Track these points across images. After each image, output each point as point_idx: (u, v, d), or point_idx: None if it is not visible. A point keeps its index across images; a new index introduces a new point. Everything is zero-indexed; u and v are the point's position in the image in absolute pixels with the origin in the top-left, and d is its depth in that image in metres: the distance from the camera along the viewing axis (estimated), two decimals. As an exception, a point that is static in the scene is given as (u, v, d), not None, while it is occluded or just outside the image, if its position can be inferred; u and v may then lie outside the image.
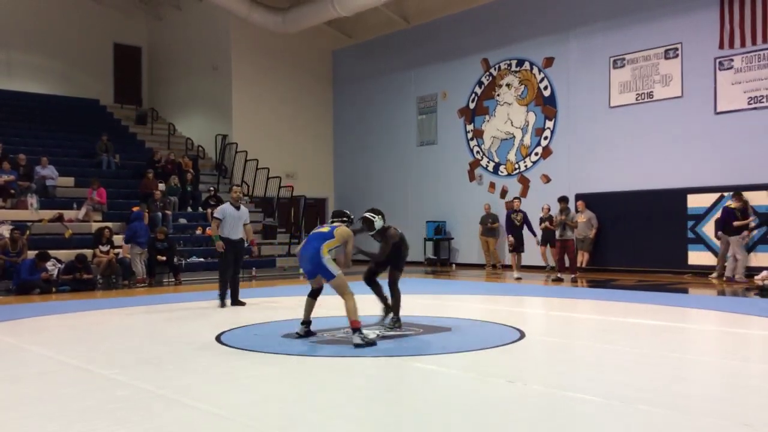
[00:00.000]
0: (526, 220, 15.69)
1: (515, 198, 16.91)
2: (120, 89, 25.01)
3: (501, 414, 4.53)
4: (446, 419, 4.38)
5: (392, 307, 8.05)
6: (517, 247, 15.69)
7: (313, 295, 7.51)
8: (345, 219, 7.46)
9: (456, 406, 4.72)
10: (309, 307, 7.49)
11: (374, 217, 7.91)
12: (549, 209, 15.86)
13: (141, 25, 25.50)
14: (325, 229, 7.26)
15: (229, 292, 10.62)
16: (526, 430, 4.26)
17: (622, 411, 4.51)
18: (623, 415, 4.43)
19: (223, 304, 10.49)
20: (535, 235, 15.78)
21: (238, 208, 10.65)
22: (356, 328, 6.78)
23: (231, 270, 10.60)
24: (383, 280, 8.27)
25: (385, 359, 6.29)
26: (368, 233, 8.07)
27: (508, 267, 17.62)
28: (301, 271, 9.29)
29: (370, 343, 6.73)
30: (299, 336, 7.33)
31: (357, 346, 6.67)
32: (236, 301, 10.68)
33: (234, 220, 10.53)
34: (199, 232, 17.86)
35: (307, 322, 7.42)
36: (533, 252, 18.40)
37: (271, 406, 4.81)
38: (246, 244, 11.09)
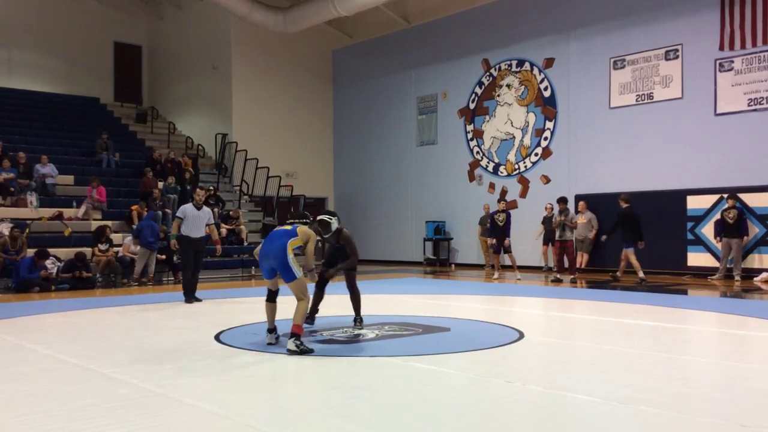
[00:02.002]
0: (508, 221, 15.57)
1: (500, 200, 16.95)
2: (120, 88, 25.03)
3: (500, 414, 4.54)
4: (445, 419, 4.39)
5: (354, 307, 8.11)
6: (499, 248, 15.70)
7: (272, 298, 7.14)
8: (306, 220, 7.27)
9: (455, 406, 4.73)
10: (272, 313, 7.13)
11: (330, 219, 7.87)
12: (552, 208, 15.87)
13: (141, 24, 25.51)
14: (287, 227, 7.03)
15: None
16: (525, 430, 4.26)
17: (621, 411, 4.52)
18: (622, 416, 4.44)
19: (189, 300, 11.03)
20: (508, 236, 15.58)
21: (199, 208, 11.15)
22: (297, 333, 6.47)
23: (192, 267, 11.17)
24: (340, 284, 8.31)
25: (384, 359, 6.30)
26: (324, 236, 7.98)
27: (507, 267, 17.61)
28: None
29: (306, 351, 6.38)
30: (271, 345, 6.95)
31: (291, 352, 6.37)
32: (192, 298, 11.12)
33: (195, 220, 11.05)
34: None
35: (272, 329, 7.06)
36: (531, 252, 18.44)
37: (270, 405, 4.82)
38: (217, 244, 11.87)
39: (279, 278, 6.93)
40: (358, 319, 8.05)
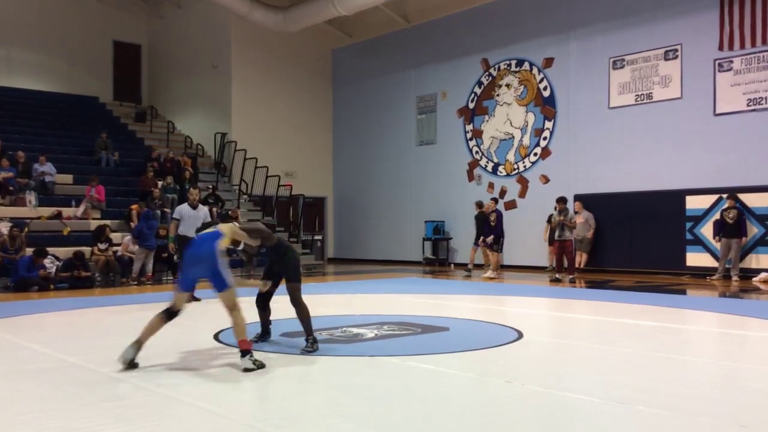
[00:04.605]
0: (499, 220, 15.90)
1: (492, 199, 17.04)
2: (119, 87, 25.01)
3: (499, 414, 4.54)
4: (445, 419, 4.39)
5: (304, 326, 6.75)
6: (493, 246, 15.96)
7: (169, 317, 6.11)
8: (221, 220, 6.92)
9: (454, 405, 4.73)
10: (151, 330, 6.05)
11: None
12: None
13: (141, 23, 25.49)
14: (212, 229, 6.37)
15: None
16: (524, 430, 4.27)
17: (620, 411, 4.52)
18: (621, 416, 4.44)
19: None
20: (503, 236, 16.26)
21: (195, 207, 11.14)
22: (247, 350, 5.81)
23: None
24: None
25: (383, 359, 6.30)
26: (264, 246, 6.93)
27: (506, 267, 17.64)
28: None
29: (261, 366, 5.77)
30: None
31: (247, 370, 5.68)
32: (191, 297, 10.98)
33: (191, 219, 10.99)
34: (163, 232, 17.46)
35: (138, 344, 5.92)
36: (531, 252, 18.45)
37: (269, 405, 4.82)
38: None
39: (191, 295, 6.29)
40: (309, 340, 6.66)
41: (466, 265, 17.35)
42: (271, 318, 7.25)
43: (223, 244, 6.12)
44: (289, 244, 7.15)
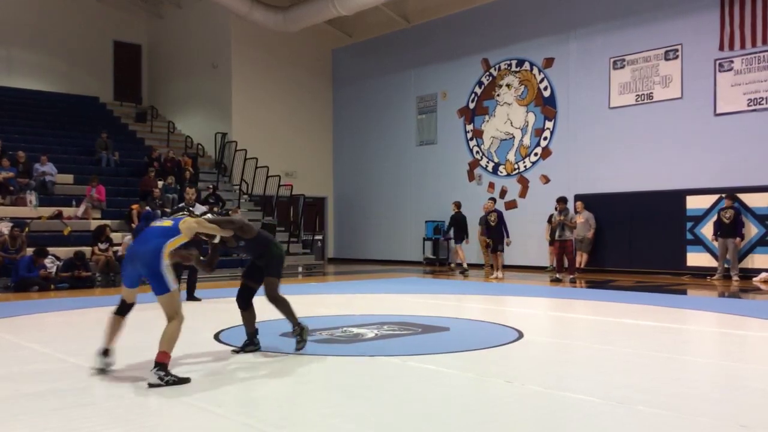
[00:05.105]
0: (501, 220, 15.86)
1: (490, 199, 17.03)
2: (120, 87, 25.02)
3: (500, 414, 4.54)
4: (445, 419, 4.39)
5: (288, 317, 6.44)
6: (495, 247, 15.91)
7: (122, 311, 5.71)
8: (185, 213, 5.99)
9: (454, 405, 4.72)
10: (114, 330, 5.65)
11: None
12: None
13: (141, 23, 25.49)
14: (168, 222, 5.67)
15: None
16: (525, 430, 4.26)
17: (620, 411, 4.52)
18: (621, 416, 4.44)
19: (188, 299, 10.99)
20: (508, 236, 16.05)
21: (192, 207, 11.11)
22: (162, 363, 5.15)
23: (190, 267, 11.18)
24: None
25: (384, 359, 6.29)
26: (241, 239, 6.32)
27: (507, 267, 17.62)
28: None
29: (176, 383, 5.12)
30: (101, 370, 5.56)
31: (152, 386, 5.06)
32: (191, 297, 11.16)
33: None
34: None
35: (106, 351, 5.60)
36: (532, 252, 18.45)
37: (269, 405, 4.82)
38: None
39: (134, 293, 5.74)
40: (296, 329, 6.40)
41: (461, 265, 17.38)
42: (257, 322, 6.57)
43: (176, 242, 5.47)
44: (272, 237, 6.63)
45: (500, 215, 16.06)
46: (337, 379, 5.59)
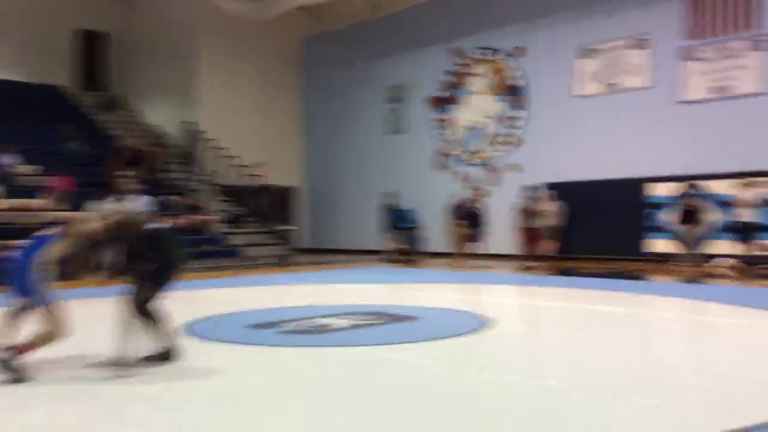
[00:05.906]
0: (480, 211, 15.89)
1: (471, 188, 17.08)
2: (87, 76, 24.56)
3: (476, 403, 4.54)
4: (423, 408, 4.38)
5: (160, 339, 5.53)
6: (473, 237, 15.98)
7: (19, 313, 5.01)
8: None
9: (430, 395, 4.71)
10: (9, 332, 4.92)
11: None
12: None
13: (110, 11, 24.99)
14: (52, 231, 5.05)
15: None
16: (500, 418, 4.28)
17: (594, 399, 4.54)
18: (597, 404, 4.46)
19: None
20: (483, 225, 16.06)
21: (124, 198, 11.29)
22: (22, 351, 4.77)
23: None
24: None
25: (355, 348, 6.26)
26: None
27: (478, 256, 17.68)
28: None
29: (18, 380, 4.75)
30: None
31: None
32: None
33: None
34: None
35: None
36: (504, 241, 18.49)
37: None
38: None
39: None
40: (155, 356, 5.46)
41: (434, 254, 17.41)
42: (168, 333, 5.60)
43: (55, 249, 4.86)
44: (172, 239, 5.61)
45: (474, 205, 16.07)
46: (309, 371, 5.51)
